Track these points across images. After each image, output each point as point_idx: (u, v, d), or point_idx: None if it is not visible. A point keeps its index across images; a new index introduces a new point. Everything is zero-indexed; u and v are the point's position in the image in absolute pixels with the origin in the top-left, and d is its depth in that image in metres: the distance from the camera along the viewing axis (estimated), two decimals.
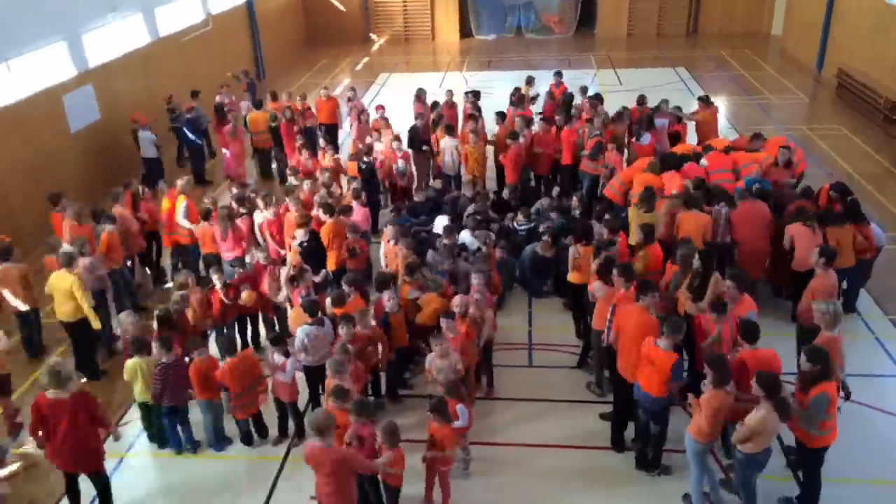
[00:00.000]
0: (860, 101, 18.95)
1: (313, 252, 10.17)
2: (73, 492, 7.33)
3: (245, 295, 9.24)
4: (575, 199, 11.67)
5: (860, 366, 9.06)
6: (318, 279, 9.79)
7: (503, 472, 7.80)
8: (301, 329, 8.22)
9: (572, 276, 9.47)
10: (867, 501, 7.22)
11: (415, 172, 13.88)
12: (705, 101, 14.33)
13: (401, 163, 13.17)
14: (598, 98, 14.77)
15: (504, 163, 12.92)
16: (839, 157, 15.74)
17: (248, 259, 10.43)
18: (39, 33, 13.73)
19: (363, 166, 12.72)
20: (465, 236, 10.84)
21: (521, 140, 12.90)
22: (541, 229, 11.00)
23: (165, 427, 8.21)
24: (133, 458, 8.32)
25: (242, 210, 11.18)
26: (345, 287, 8.80)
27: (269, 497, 7.65)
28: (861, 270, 9.93)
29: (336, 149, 13.65)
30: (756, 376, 6.35)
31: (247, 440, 8.32)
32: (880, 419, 8.32)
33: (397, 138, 13.48)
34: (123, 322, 8.40)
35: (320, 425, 6.13)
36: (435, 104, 15.14)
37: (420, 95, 15.69)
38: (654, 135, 13.07)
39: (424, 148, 13.98)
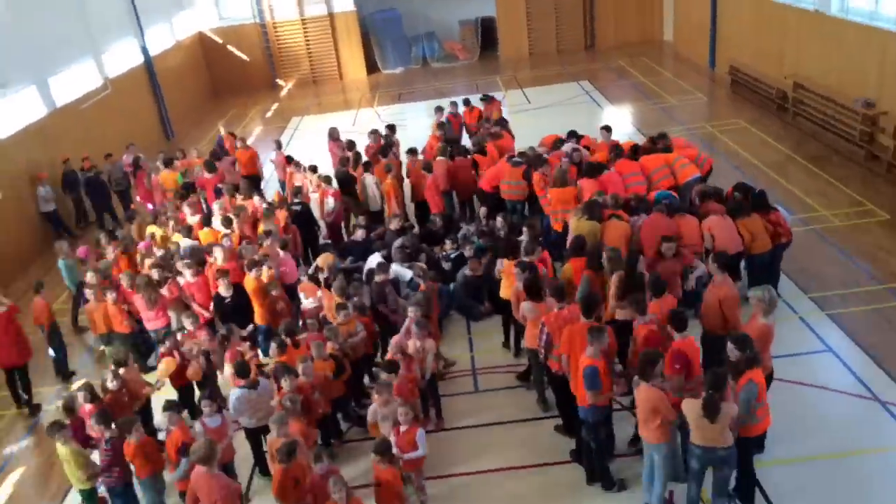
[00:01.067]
0: (753, 93, 19.96)
1: (237, 308, 9.95)
2: None
3: (191, 371, 8.85)
4: (500, 219, 11.80)
5: (788, 346, 9.39)
6: (244, 333, 9.59)
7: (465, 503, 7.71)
8: (232, 393, 8.02)
9: (503, 292, 9.58)
10: (810, 477, 7.44)
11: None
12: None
13: (330, 200, 13.06)
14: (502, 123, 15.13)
15: (426, 195, 12.98)
16: (741, 149, 16.48)
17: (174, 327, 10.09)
18: None
19: (297, 209, 12.53)
20: (395, 269, 10.81)
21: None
22: (466, 253, 11.13)
23: None
24: None
25: (167, 274, 10.80)
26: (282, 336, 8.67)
27: None
28: (779, 254, 10.37)
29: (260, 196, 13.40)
30: (706, 373, 6.53)
31: None
32: (813, 395, 8.65)
33: (326, 178, 13.41)
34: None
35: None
36: (351, 143, 15.12)
37: (333, 134, 15.64)
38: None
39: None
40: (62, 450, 7.49)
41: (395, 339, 8.60)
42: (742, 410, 6.51)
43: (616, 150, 12.50)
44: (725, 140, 17.22)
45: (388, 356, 8.48)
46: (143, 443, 7.44)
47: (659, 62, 25.91)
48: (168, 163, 15.33)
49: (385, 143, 14.57)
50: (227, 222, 11.99)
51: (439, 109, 16.27)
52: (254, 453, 8.33)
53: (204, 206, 13.97)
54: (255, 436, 8.18)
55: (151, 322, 10.25)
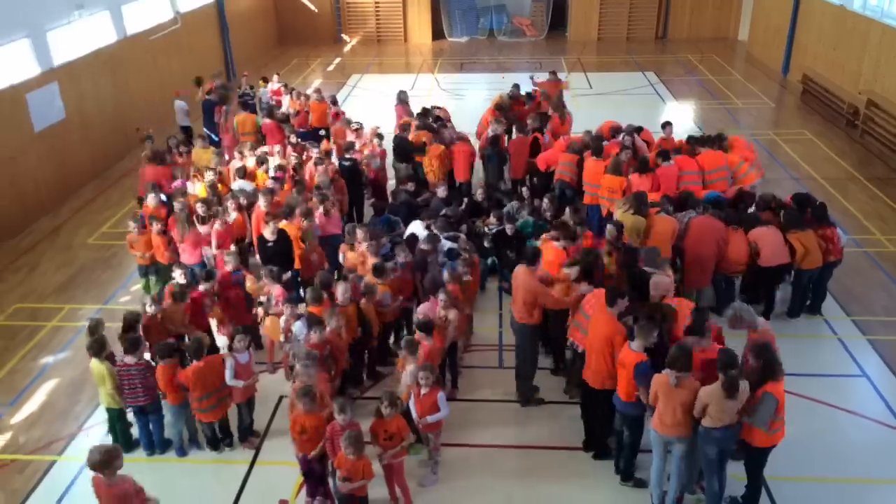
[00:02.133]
0: (824, 105, 19.34)
1: (278, 252, 10.09)
2: None
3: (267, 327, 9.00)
4: (546, 200, 11.72)
5: (824, 366, 9.32)
6: (286, 277, 9.74)
7: (473, 474, 7.79)
8: (301, 322, 8.22)
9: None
10: (829, 498, 7.35)
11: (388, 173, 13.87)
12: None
13: (377, 159, 13.20)
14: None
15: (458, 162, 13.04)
16: (804, 161, 16.04)
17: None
18: (2, 30, 13.44)
19: (346, 164, 12.65)
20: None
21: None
22: (508, 231, 11.08)
23: (138, 428, 8.14)
24: None
25: (211, 212, 10.96)
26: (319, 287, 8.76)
27: (236, 501, 7.57)
28: (828, 273, 10.16)
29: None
30: (718, 353, 6.61)
31: (213, 445, 8.22)
32: (841, 418, 8.48)
33: (378, 135, 13.50)
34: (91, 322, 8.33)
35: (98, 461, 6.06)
36: (426, 110, 15.09)
37: (402, 97, 15.54)
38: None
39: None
40: (97, 367, 7.76)
41: (422, 308, 8.64)
42: (759, 421, 6.48)
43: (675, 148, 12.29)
44: (787, 150, 16.76)
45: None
46: (169, 369, 7.67)
47: (730, 62, 25.24)
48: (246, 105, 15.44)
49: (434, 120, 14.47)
50: (280, 169, 12.13)
51: (516, 87, 16.22)
52: None
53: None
54: None
55: (186, 255, 10.39)
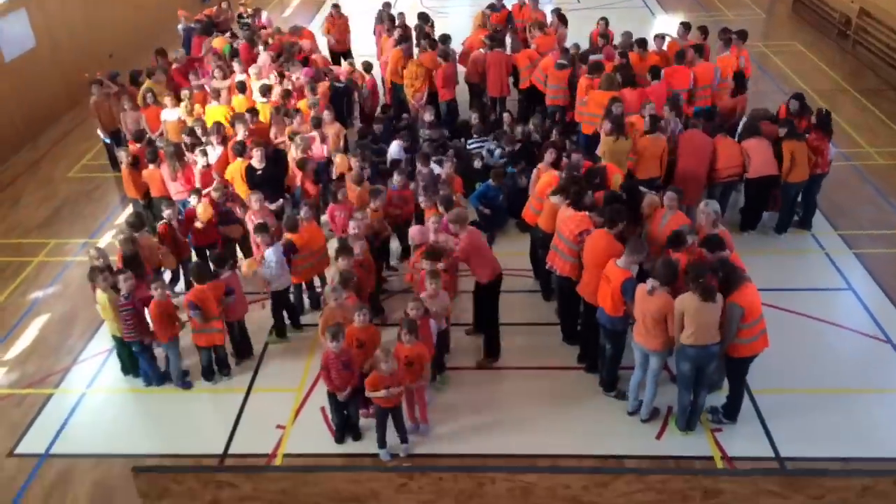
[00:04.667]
0: (815, 15, 18.92)
1: (269, 178, 9.93)
2: None
3: (245, 267, 9.00)
4: (533, 122, 11.51)
5: (811, 280, 9.43)
6: (274, 207, 9.63)
7: (465, 395, 7.92)
8: (272, 249, 8.21)
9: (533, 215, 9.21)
10: (815, 407, 7.53)
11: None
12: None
13: (365, 89, 12.93)
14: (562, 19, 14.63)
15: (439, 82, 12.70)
16: (793, 73, 15.79)
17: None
18: None
19: (339, 86, 12.37)
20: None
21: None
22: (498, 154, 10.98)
23: (141, 361, 8.15)
24: (96, 393, 8.26)
25: (194, 140, 10.69)
26: (302, 213, 8.64)
27: (234, 428, 7.69)
28: (816, 185, 10.14)
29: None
30: (686, 265, 6.71)
31: (207, 375, 8.26)
32: (827, 330, 8.63)
33: (367, 65, 13.25)
34: (91, 254, 8.33)
35: None
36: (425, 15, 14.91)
37: (381, 16, 14.88)
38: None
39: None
40: (101, 296, 7.76)
41: (414, 231, 8.56)
42: (728, 332, 6.60)
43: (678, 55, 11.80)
44: (778, 62, 16.47)
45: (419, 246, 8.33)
46: (164, 304, 7.67)
47: None
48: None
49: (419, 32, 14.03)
50: (265, 90, 11.80)
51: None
52: (275, 317, 8.70)
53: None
54: (279, 300, 8.58)
55: (178, 193, 10.05)
